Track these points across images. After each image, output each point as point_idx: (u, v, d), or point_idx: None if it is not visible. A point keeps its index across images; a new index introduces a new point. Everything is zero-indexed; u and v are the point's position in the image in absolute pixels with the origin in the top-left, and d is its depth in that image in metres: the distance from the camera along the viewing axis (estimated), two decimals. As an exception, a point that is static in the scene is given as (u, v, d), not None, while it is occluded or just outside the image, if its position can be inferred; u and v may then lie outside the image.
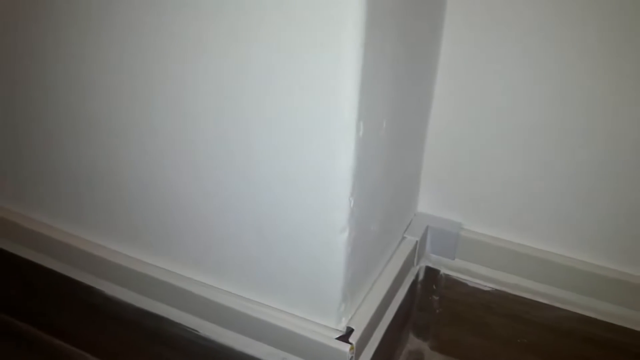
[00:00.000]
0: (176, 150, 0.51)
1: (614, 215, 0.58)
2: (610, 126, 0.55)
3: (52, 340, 0.75)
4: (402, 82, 0.52)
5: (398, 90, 0.51)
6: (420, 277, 0.68)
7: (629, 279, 0.58)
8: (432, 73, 0.61)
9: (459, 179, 0.65)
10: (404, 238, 0.64)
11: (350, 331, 0.50)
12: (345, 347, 0.49)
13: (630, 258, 0.59)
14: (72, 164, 0.59)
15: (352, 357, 0.50)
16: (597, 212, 0.59)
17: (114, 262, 0.60)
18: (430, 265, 0.68)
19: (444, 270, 0.67)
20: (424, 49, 0.57)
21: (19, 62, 0.56)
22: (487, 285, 0.65)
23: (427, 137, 0.65)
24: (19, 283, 0.73)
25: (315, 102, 0.42)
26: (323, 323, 0.51)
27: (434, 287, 0.68)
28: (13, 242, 0.69)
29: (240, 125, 0.46)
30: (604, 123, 0.55)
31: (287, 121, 0.44)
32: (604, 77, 0.53)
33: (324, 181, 0.45)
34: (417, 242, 0.64)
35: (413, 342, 0.73)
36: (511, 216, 0.63)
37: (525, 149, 0.60)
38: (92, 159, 0.57)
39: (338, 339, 0.50)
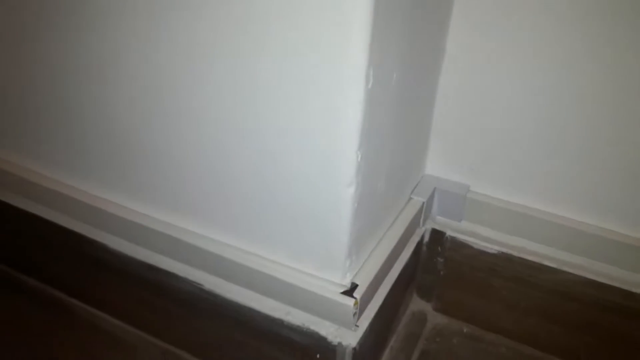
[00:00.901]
0: (179, 104, 0.50)
1: (625, 178, 0.57)
2: (622, 86, 0.54)
3: (55, 293, 0.76)
4: (414, 36, 0.50)
5: (410, 44, 0.49)
6: (426, 238, 0.68)
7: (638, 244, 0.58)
8: (444, 31, 0.59)
9: (468, 141, 0.64)
10: (410, 199, 0.64)
11: (354, 286, 0.50)
12: (349, 302, 0.49)
13: (640, 222, 0.58)
14: (76, 117, 0.58)
15: (355, 312, 0.50)
16: (607, 176, 0.58)
17: (117, 215, 0.60)
18: (437, 227, 0.67)
19: (449, 233, 0.66)
20: (437, 4, 0.55)
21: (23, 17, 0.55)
22: (493, 248, 0.64)
23: (437, 98, 0.63)
24: (22, 236, 0.73)
25: (325, 49, 0.41)
26: (328, 278, 0.51)
27: (439, 249, 0.68)
28: (15, 195, 0.69)
29: (246, 73, 0.45)
30: (617, 85, 0.54)
31: (294, 69, 0.43)
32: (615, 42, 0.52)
33: (332, 134, 0.44)
34: (423, 203, 0.63)
35: (416, 303, 0.73)
36: (520, 179, 0.63)
37: (535, 113, 0.59)
38: (95, 113, 0.56)
39: (342, 293, 0.50)
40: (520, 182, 0.63)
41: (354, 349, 0.51)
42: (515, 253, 0.63)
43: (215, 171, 0.52)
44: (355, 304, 0.49)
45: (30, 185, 0.65)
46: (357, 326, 0.52)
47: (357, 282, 0.51)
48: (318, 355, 0.53)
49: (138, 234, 0.60)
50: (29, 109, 0.62)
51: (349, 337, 0.52)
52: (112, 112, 0.55)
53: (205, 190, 0.54)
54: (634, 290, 0.59)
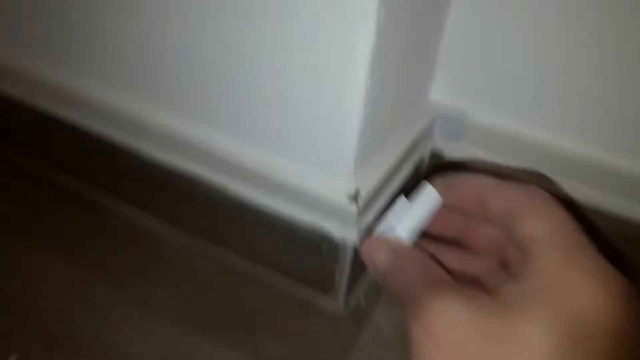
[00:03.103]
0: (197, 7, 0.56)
1: (623, 111, 0.64)
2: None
3: (91, 192, 0.86)
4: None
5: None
6: (426, 157, 0.76)
7: (630, 172, 0.65)
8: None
9: (472, 69, 0.69)
10: (414, 122, 0.71)
11: (358, 193, 0.59)
12: (352, 206, 0.58)
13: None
14: (99, 23, 0.65)
15: (358, 214, 0.59)
16: (607, 108, 0.64)
17: (148, 124, 0.69)
18: (436, 148, 0.75)
19: (448, 152, 0.74)
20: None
21: None
22: (484, 169, 0.73)
23: (445, 30, 0.69)
24: (59, 142, 0.82)
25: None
26: (334, 184, 0.60)
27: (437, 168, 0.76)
28: (42, 98, 0.77)
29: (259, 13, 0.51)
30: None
31: (310, 10, 0.49)
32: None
33: (345, 64, 0.51)
34: (425, 125, 0.71)
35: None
36: (517, 109, 0.69)
37: (542, 44, 0.64)
38: (118, 20, 0.63)
39: (348, 198, 0.59)
40: (517, 112, 0.70)
41: (354, 244, 0.61)
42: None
43: (240, 85, 0.59)
44: (358, 207, 0.58)
45: (64, 94, 0.74)
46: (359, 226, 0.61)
47: (361, 190, 0.60)
48: (323, 247, 0.63)
49: (166, 141, 0.69)
50: (54, 15, 0.68)
51: (351, 235, 0.61)
52: (125, 20, 0.62)
53: (233, 103, 0.62)
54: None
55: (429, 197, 0.46)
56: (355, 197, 0.58)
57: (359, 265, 0.60)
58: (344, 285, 0.66)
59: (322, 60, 0.52)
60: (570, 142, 0.68)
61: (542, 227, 0.35)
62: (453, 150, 0.74)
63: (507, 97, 0.70)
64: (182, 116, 0.67)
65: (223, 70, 0.59)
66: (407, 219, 0.46)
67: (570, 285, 0.31)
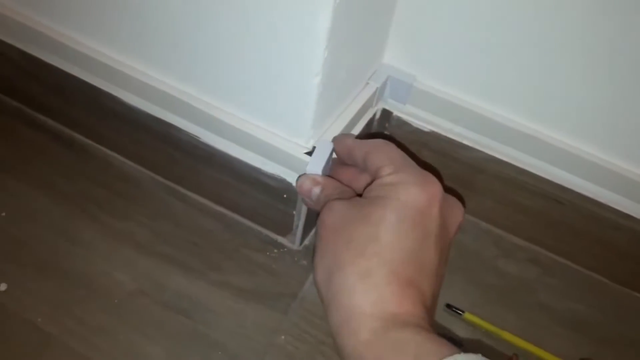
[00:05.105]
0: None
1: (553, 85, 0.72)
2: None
3: (73, 133, 0.92)
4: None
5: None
6: (377, 116, 0.85)
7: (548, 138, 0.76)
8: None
9: (422, 39, 0.77)
10: (367, 84, 0.79)
11: (314, 150, 0.68)
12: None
13: (545, 115, 0.75)
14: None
15: (314, 167, 0.68)
16: (536, 79, 0.72)
17: (133, 76, 0.75)
18: (386, 107, 0.84)
19: (396, 113, 0.84)
20: None
21: None
22: (427, 127, 0.82)
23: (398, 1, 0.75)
24: (45, 85, 0.87)
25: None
26: (295, 141, 0.69)
27: (387, 125, 0.86)
28: (45, 51, 0.82)
29: None
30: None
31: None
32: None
33: (305, 37, 0.58)
34: (377, 88, 0.79)
35: (364, 165, 0.92)
36: (460, 76, 0.77)
37: (485, 19, 0.70)
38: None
39: (306, 153, 0.68)
40: (459, 79, 0.78)
41: (311, 192, 0.71)
42: (442, 132, 0.82)
43: (215, 49, 0.66)
44: (315, 160, 0.67)
45: (56, 44, 0.79)
46: (315, 177, 0.71)
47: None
48: (285, 195, 0.73)
49: (149, 92, 0.76)
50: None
51: (308, 184, 0.71)
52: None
53: (212, 65, 0.68)
54: (526, 168, 0.79)
55: (328, 146, 0.67)
56: (311, 154, 0.68)
57: (312, 210, 0.70)
58: (301, 228, 0.77)
59: (284, 38, 0.59)
60: (502, 111, 0.77)
61: (381, 159, 0.57)
62: (401, 112, 0.83)
63: (450, 66, 0.78)
64: (165, 71, 0.73)
65: (204, 36, 0.66)
66: (319, 161, 0.66)
67: (401, 185, 0.53)
